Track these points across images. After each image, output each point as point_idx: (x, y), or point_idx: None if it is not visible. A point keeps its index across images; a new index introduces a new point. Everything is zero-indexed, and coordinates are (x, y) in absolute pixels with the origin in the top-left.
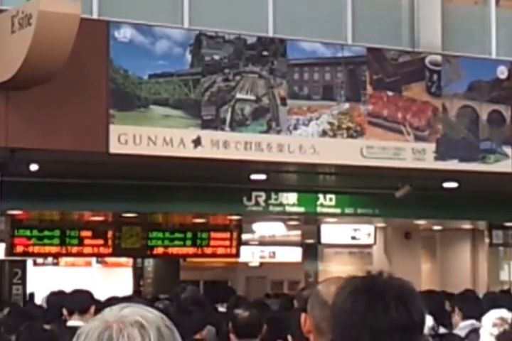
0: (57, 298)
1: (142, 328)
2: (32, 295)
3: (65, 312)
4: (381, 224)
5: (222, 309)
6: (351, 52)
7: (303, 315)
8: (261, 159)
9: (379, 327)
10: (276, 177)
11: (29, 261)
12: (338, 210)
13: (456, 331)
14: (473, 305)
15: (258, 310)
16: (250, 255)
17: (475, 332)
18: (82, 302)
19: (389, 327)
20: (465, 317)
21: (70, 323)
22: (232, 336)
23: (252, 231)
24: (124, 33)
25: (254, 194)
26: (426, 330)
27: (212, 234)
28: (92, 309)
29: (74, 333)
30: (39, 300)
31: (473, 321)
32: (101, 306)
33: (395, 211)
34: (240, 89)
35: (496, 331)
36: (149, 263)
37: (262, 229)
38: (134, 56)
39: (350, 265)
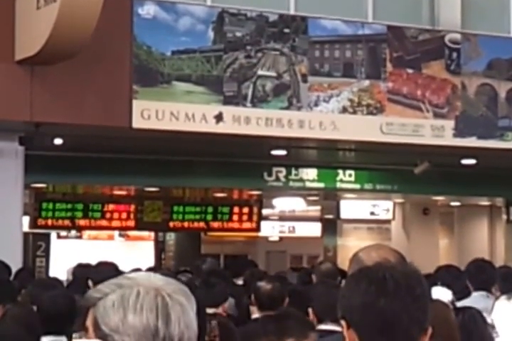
0: (82, 270)
1: (186, 295)
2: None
3: (90, 283)
4: (400, 200)
5: (241, 282)
6: (372, 30)
7: (344, 282)
8: (282, 135)
9: (380, 308)
10: (296, 153)
11: (53, 234)
12: (357, 186)
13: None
14: (484, 276)
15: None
16: (270, 229)
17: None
18: (108, 274)
19: (388, 309)
20: (476, 289)
21: None
22: (253, 308)
23: (272, 206)
24: (148, 10)
25: (274, 169)
26: None
27: (233, 209)
28: None
29: None
30: (59, 272)
31: (482, 292)
32: None
33: (414, 187)
34: (262, 65)
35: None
36: (171, 237)
37: (282, 204)
38: (157, 32)
39: (369, 240)
